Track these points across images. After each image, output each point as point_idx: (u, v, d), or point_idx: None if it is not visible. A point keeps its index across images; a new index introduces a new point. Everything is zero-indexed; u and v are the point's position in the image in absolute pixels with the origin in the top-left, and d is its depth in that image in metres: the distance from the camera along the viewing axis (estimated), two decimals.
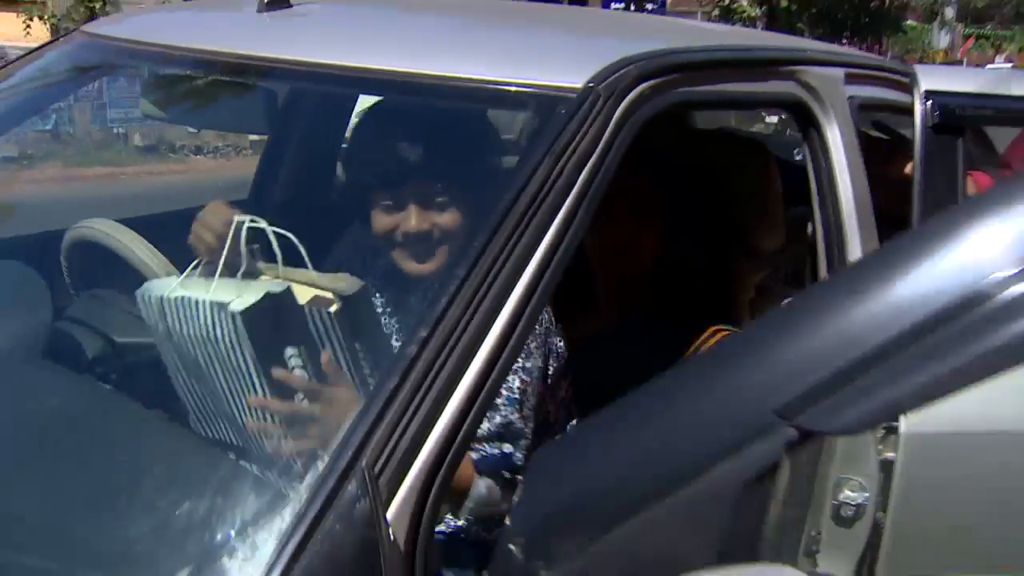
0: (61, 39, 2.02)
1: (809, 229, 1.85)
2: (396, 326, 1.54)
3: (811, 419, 0.88)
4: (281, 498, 1.03)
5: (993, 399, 0.98)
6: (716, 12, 24.02)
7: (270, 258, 1.33)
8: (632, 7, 20.55)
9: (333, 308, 1.24)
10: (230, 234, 1.32)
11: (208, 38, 1.54)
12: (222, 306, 1.23)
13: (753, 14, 22.83)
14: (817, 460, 0.93)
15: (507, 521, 1.00)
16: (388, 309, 1.58)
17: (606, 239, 1.94)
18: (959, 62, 36.02)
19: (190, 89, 1.75)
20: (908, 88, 2.04)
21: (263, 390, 1.22)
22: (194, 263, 1.39)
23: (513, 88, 1.33)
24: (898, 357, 0.87)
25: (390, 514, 0.93)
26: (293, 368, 1.21)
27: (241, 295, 1.23)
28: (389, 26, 1.71)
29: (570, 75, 1.34)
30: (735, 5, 23.21)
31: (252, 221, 1.32)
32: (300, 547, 0.89)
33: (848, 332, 0.90)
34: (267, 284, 1.28)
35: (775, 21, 23.04)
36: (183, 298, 1.28)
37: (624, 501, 0.90)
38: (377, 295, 1.58)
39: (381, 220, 1.53)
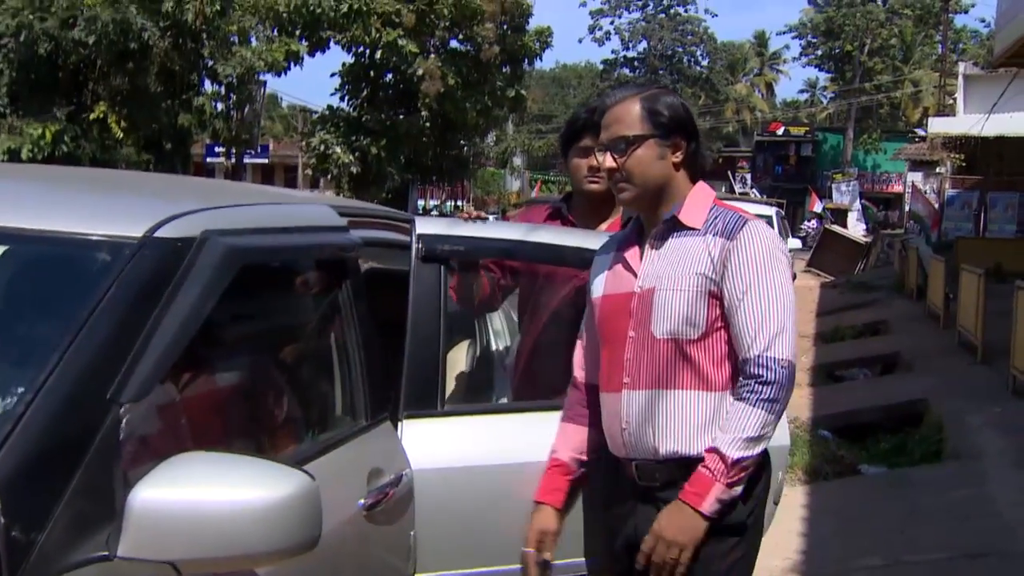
0: None
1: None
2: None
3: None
4: None
5: None
6: (313, 160, 25.10)
7: None
8: (232, 155, 21.10)
9: None
10: None
11: None
12: None
13: (347, 159, 24.10)
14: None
15: None
16: None
17: None
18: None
19: None
20: (407, 231, 2.77)
21: None
22: None
23: (94, 238, 1.84)
24: None
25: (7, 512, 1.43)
26: None
27: None
28: None
29: (133, 228, 1.87)
30: (330, 152, 24.38)
31: None
32: None
33: None
34: None
35: (367, 166, 24.51)
36: None
37: None
38: None
39: None
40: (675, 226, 2.28)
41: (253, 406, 2.29)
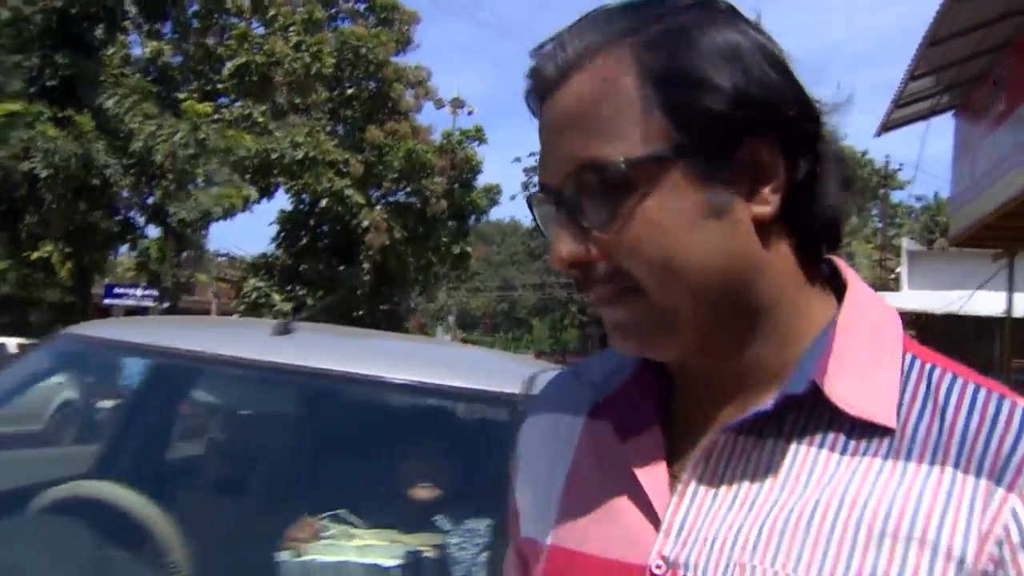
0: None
1: None
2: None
3: None
4: None
5: None
6: (242, 307, 25.20)
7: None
8: (164, 298, 21.20)
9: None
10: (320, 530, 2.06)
11: (241, 350, 2.27)
12: (376, 567, 1.94)
13: (285, 309, 24.28)
14: None
15: None
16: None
17: None
18: None
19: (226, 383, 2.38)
20: None
21: None
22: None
23: (494, 393, 2.23)
24: None
25: None
26: None
27: (378, 559, 1.97)
28: (369, 346, 2.57)
29: (511, 385, 2.27)
30: (263, 301, 24.53)
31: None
32: None
33: None
34: (394, 547, 2.00)
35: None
36: (331, 563, 1.96)
37: None
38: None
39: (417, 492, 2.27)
40: (815, 411, 0.87)
41: None
